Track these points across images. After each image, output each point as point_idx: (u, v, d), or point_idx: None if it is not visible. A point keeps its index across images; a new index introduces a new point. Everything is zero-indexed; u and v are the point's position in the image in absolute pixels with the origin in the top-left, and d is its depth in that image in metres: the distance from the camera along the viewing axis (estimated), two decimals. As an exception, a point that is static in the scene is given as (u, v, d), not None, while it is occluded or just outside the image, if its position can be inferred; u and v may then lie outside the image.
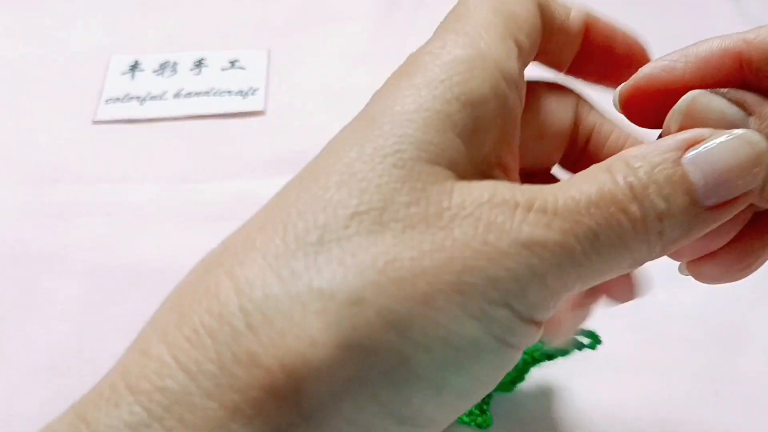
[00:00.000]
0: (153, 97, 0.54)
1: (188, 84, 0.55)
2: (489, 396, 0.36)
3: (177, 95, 0.54)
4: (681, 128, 0.22)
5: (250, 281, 0.19)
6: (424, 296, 0.19)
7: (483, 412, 0.36)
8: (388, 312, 0.19)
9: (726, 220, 0.21)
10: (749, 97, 0.23)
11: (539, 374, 0.38)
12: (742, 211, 0.22)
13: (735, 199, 0.21)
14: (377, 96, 0.22)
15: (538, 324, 0.21)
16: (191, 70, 0.56)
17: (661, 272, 0.29)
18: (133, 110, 0.53)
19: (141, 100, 0.54)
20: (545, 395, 0.38)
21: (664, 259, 0.23)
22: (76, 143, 0.51)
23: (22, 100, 0.55)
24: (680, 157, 0.21)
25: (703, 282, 0.25)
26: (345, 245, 0.19)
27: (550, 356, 0.36)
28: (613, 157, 0.21)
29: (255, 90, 0.54)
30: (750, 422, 0.37)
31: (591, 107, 0.27)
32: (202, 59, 0.56)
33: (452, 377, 0.20)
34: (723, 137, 0.21)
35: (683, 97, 0.23)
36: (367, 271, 0.19)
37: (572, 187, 0.21)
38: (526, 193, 0.20)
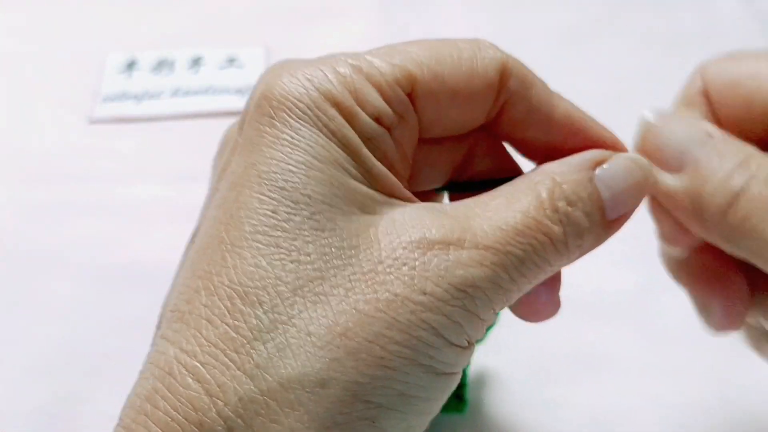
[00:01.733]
0: (150, 96, 0.54)
1: (185, 83, 0.54)
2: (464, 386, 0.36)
3: (174, 94, 0.54)
4: (643, 145, 0.25)
5: (221, 384, 0.20)
6: (381, 360, 0.20)
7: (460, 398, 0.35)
8: (352, 385, 0.20)
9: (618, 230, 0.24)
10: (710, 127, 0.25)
11: (541, 376, 0.38)
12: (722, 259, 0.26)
13: (627, 213, 0.24)
14: (251, 148, 0.22)
15: (473, 344, 0.22)
16: (188, 68, 0.55)
17: (665, 275, 0.30)
18: (130, 109, 0.53)
19: (138, 98, 0.53)
20: (546, 398, 0.37)
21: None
22: (72, 142, 0.51)
23: (18, 97, 0.55)
24: (592, 176, 0.23)
25: None
26: (298, 323, 0.20)
27: None
28: (536, 172, 0.23)
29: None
30: (756, 427, 0.37)
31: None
32: (200, 58, 0.56)
33: (412, 421, 0.21)
34: (622, 158, 0.24)
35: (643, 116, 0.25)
36: (325, 348, 0.20)
37: (498, 214, 0.22)
38: (454, 223, 0.21)
